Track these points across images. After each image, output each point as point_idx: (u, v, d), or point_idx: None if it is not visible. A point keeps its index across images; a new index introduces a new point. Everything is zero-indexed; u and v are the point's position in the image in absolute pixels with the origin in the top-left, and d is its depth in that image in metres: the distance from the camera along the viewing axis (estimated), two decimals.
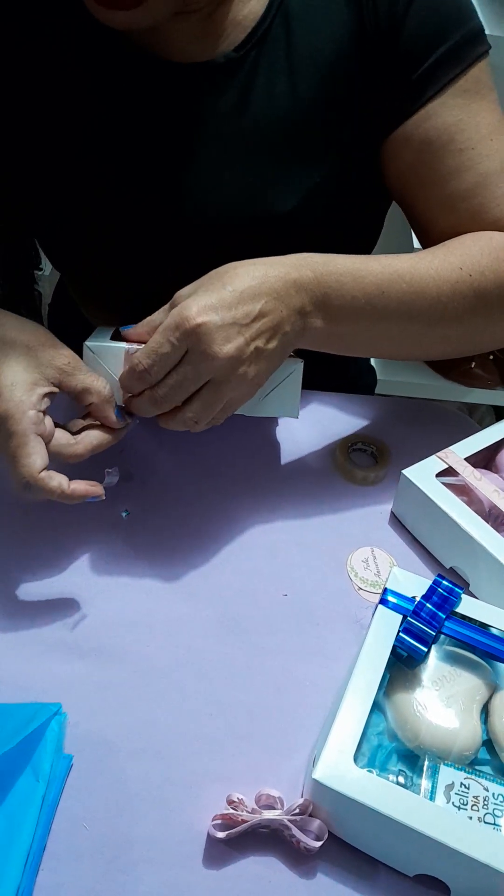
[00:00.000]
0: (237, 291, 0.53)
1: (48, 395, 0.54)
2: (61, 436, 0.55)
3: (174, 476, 0.67)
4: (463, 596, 0.54)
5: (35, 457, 0.51)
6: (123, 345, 0.59)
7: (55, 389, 0.55)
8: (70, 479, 0.54)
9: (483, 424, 0.70)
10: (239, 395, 0.56)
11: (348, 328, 0.60)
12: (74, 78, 0.64)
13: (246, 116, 0.63)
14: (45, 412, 0.53)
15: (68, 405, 0.58)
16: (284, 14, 0.62)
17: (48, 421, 0.53)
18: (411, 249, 1.22)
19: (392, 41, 0.61)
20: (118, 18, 0.55)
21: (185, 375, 0.53)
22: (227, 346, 0.52)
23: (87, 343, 0.58)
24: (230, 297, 0.53)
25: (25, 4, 0.63)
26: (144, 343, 0.56)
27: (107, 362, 0.58)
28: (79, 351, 0.58)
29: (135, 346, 0.58)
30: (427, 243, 0.69)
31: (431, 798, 0.46)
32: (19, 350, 0.54)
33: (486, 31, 0.63)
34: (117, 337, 0.67)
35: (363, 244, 0.79)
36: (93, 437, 0.56)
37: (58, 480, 0.52)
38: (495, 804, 0.46)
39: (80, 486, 0.54)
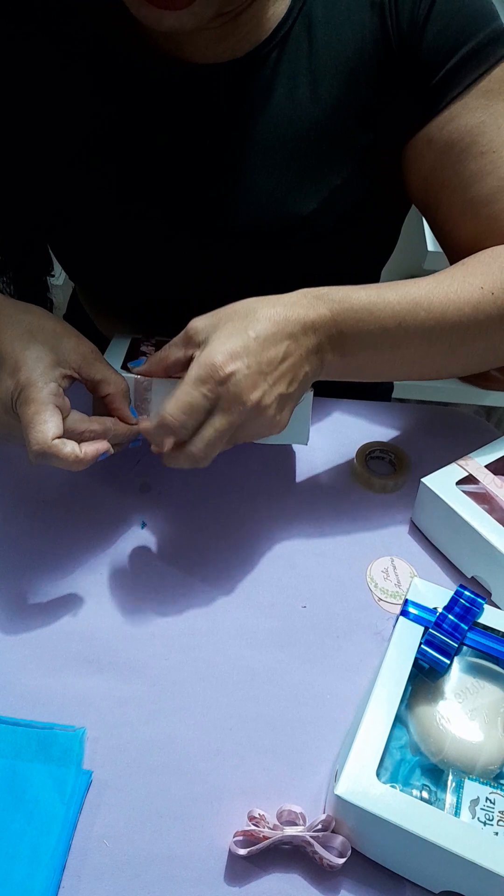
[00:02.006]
0: (260, 338, 0.53)
1: (68, 377, 0.56)
2: (77, 414, 0.55)
3: (191, 486, 0.67)
4: (485, 606, 0.53)
5: (50, 424, 0.52)
6: (133, 375, 0.59)
7: (75, 375, 0.56)
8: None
9: (501, 427, 0.70)
10: (258, 434, 0.56)
11: (366, 361, 0.60)
12: (89, 82, 0.64)
13: (266, 119, 0.63)
14: (64, 390, 0.55)
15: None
16: (307, 18, 0.62)
17: (66, 399, 0.54)
18: (425, 253, 1.22)
19: (414, 45, 0.61)
20: (165, 20, 0.54)
21: (217, 428, 0.52)
22: (255, 393, 0.52)
23: None
24: (254, 344, 0.53)
25: (41, 14, 0.63)
26: (150, 376, 0.58)
27: None
28: None
29: (146, 378, 0.59)
30: (450, 251, 0.68)
31: (456, 813, 0.45)
32: (47, 333, 0.56)
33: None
34: (134, 347, 0.67)
35: (381, 249, 0.78)
36: (108, 420, 0.57)
37: (70, 446, 0.52)
38: None
39: (90, 447, 0.54)
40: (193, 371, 0.52)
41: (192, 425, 0.52)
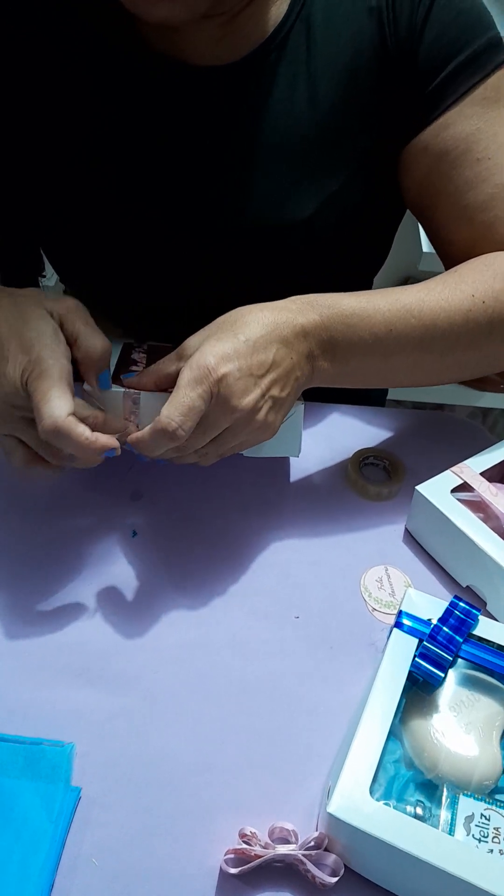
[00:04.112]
0: (250, 341, 0.53)
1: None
2: (79, 401, 0.53)
3: (183, 495, 0.66)
4: (480, 617, 0.52)
5: (64, 400, 0.50)
6: (121, 389, 0.58)
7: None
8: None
9: (496, 429, 0.69)
10: (251, 440, 0.56)
11: (357, 367, 0.59)
12: (88, 84, 0.63)
13: (265, 121, 0.63)
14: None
15: None
16: (306, 22, 0.62)
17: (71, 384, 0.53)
18: (420, 254, 1.21)
19: (411, 52, 0.61)
20: (157, 11, 0.54)
21: (206, 426, 0.52)
22: (247, 398, 0.52)
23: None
24: (244, 348, 0.52)
25: (41, 14, 0.63)
26: (142, 389, 0.57)
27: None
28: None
29: (132, 390, 0.58)
30: (445, 258, 0.68)
31: (451, 830, 0.44)
32: (31, 301, 0.54)
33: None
34: (126, 353, 0.66)
35: (377, 252, 0.77)
36: (101, 413, 0.55)
37: (83, 427, 0.50)
38: None
39: (103, 437, 0.51)
40: (186, 374, 0.51)
41: (190, 428, 0.51)
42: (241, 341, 0.52)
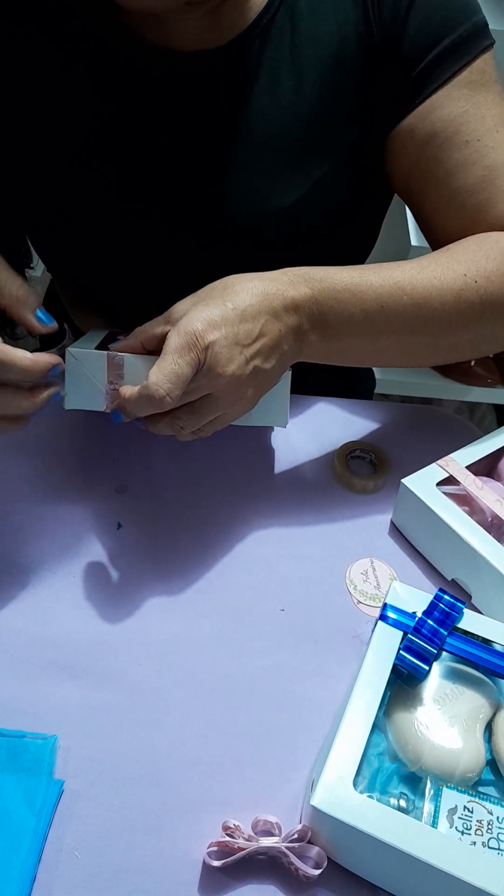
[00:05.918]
0: (238, 309, 0.52)
1: None
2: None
3: (168, 488, 0.66)
4: (465, 611, 0.52)
5: None
6: (105, 352, 0.57)
7: None
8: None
9: (483, 424, 0.69)
10: (233, 413, 0.55)
11: (348, 344, 0.59)
12: (75, 74, 0.63)
13: (250, 111, 0.62)
14: None
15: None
16: (290, 9, 0.61)
17: None
18: (409, 248, 1.21)
19: (396, 37, 0.61)
20: (143, 1, 0.54)
21: (187, 391, 0.51)
22: (231, 366, 0.51)
23: (70, 349, 0.57)
24: (232, 315, 0.52)
25: (41, 14, 0.62)
26: (127, 351, 0.56)
27: (89, 368, 0.57)
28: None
29: (118, 354, 0.57)
30: (436, 245, 0.67)
31: (434, 823, 0.44)
32: None
33: (490, 26, 0.62)
34: (110, 338, 0.66)
35: (363, 244, 0.77)
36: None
37: (21, 351, 0.49)
38: (500, 828, 0.44)
39: (44, 356, 0.50)
40: (174, 340, 0.50)
41: (177, 396, 0.50)
42: (230, 308, 0.52)
